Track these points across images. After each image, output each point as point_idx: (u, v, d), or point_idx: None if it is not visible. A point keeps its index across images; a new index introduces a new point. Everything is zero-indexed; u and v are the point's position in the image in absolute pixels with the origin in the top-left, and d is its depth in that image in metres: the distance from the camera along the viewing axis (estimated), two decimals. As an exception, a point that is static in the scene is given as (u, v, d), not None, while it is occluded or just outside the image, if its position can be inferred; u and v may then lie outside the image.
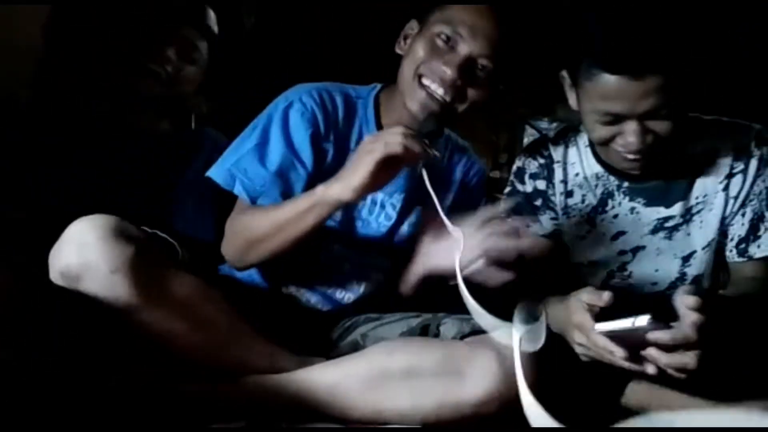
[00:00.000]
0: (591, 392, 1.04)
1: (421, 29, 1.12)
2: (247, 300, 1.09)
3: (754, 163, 1.12)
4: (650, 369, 0.90)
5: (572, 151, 1.23)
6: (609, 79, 0.98)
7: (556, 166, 1.23)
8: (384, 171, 0.94)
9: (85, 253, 0.87)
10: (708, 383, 0.98)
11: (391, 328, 1.08)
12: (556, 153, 1.24)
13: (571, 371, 1.02)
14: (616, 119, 1.02)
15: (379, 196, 1.18)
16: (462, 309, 0.95)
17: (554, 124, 2.79)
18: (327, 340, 1.16)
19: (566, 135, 1.25)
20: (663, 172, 1.15)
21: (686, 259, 1.18)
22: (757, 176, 1.13)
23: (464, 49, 1.07)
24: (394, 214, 1.20)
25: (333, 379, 0.94)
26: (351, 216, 1.17)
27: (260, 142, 1.11)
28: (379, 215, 1.18)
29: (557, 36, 1.16)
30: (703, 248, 1.17)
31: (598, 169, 1.20)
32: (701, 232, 1.17)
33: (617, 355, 0.89)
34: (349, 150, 1.16)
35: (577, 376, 1.02)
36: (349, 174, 0.95)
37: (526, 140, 2.93)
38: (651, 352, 0.88)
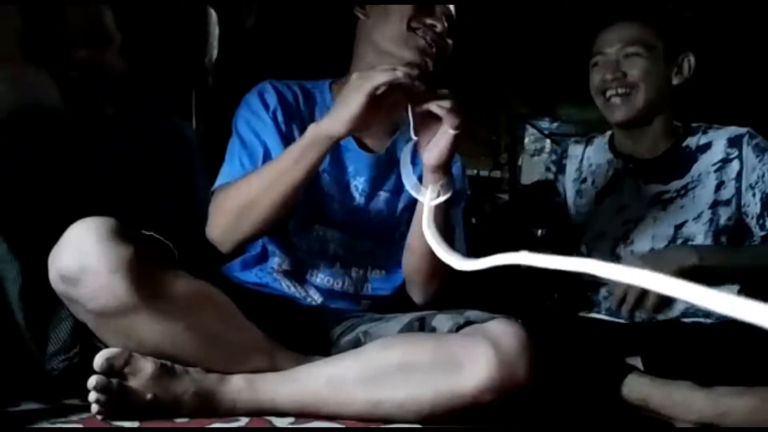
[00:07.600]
0: (591, 385, 1.05)
1: None
2: (248, 300, 1.08)
3: (748, 150, 1.33)
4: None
5: (590, 148, 1.51)
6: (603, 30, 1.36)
7: (569, 159, 1.52)
8: (374, 106, 0.96)
9: (83, 255, 0.86)
10: (709, 376, 1.02)
11: (389, 325, 1.09)
12: (575, 150, 1.52)
13: (572, 364, 1.04)
14: (600, 61, 1.36)
15: (343, 176, 1.21)
16: (455, 305, 0.97)
17: (554, 124, 2.80)
18: (328, 338, 1.16)
19: (590, 137, 1.54)
20: (665, 157, 1.40)
21: (679, 227, 1.35)
22: (757, 160, 1.32)
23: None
24: (367, 188, 1.22)
25: (330, 374, 0.95)
26: (322, 192, 1.19)
27: (239, 144, 1.16)
28: (347, 190, 1.20)
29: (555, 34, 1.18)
30: (694, 219, 1.34)
31: (610, 156, 1.46)
32: (693, 205, 1.35)
33: None
34: None
35: (577, 369, 1.04)
36: (340, 108, 0.98)
37: (526, 140, 2.93)
38: None
